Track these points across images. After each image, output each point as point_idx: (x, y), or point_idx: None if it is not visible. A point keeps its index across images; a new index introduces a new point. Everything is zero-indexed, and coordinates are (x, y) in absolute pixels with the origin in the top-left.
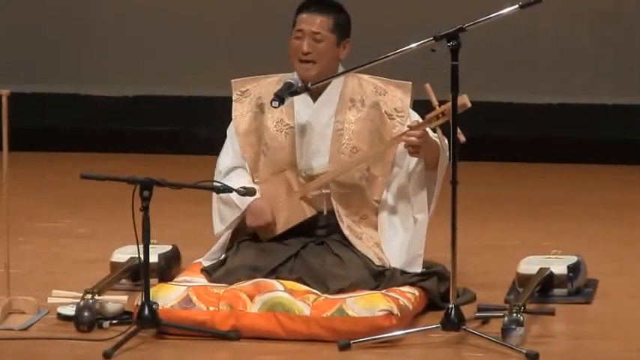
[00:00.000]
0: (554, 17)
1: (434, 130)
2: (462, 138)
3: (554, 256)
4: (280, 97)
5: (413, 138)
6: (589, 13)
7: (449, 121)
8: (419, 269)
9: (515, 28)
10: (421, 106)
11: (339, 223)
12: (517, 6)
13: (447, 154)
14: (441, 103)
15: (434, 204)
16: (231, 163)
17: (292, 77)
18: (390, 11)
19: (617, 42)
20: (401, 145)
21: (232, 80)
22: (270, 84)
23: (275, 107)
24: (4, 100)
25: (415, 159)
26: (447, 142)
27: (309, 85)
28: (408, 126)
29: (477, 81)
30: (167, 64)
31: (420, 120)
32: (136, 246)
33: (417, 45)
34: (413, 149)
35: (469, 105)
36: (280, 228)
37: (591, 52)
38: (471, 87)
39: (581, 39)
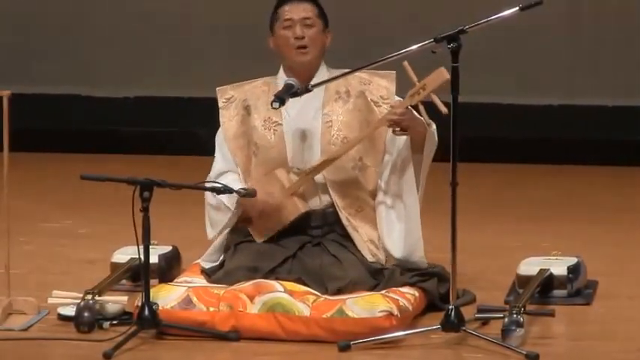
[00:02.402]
0: (554, 18)
1: (416, 108)
2: (443, 109)
3: (554, 257)
4: (281, 99)
5: (395, 116)
6: (589, 14)
7: (429, 95)
8: (421, 253)
9: (515, 29)
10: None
11: (339, 213)
12: (517, 8)
13: (435, 137)
14: (420, 79)
15: (422, 186)
16: (220, 168)
17: (291, 79)
18: (391, 12)
19: (617, 43)
20: (390, 133)
21: (217, 88)
22: (254, 87)
23: (275, 109)
24: (5, 101)
25: (403, 142)
26: (434, 126)
27: (310, 86)
28: (390, 105)
29: (477, 82)
30: (168, 66)
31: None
32: (136, 247)
33: (418, 47)
34: (398, 127)
35: (448, 77)
36: (275, 227)
37: (591, 54)
38: (470, 89)
39: (581, 40)
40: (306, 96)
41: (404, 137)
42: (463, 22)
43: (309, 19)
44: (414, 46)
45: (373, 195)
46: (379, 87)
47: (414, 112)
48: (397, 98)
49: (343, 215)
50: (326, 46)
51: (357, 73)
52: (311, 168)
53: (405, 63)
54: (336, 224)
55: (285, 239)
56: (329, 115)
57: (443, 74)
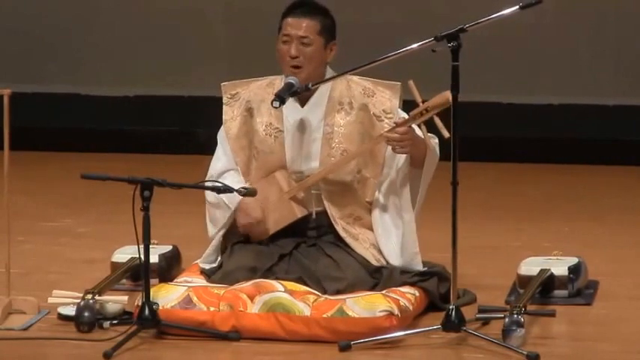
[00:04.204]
0: (555, 17)
1: (419, 127)
2: (445, 133)
3: (555, 258)
4: (281, 97)
5: (396, 135)
6: (589, 13)
7: (433, 117)
8: (420, 267)
9: (516, 28)
10: (413, 107)
11: (334, 224)
12: (518, 7)
13: (437, 152)
14: (425, 100)
15: (420, 202)
16: (222, 167)
17: (291, 77)
18: (390, 11)
19: (617, 42)
20: (390, 147)
21: (222, 84)
22: (259, 87)
23: (276, 107)
24: (6, 100)
25: (403, 158)
26: (436, 140)
27: (310, 85)
28: (394, 122)
29: (477, 81)
30: (167, 64)
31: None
32: (136, 246)
33: (418, 45)
34: (398, 146)
35: (450, 101)
36: (271, 229)
37: (592, 53)
38: (471, 88)
39: (581, 39)
40: (308, 106)
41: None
42: (463, 21)
43: (307, 38)
44: (414, 45)
45: (371, 205)
46: (382, 99)
47: (417, 129)
48: (401, 114)
49: (339, 226)
50: (328, 60)
51: (361, 82)
52: (309, 178)
53: (411, 82)
54: (332, 227)
55: (281, 239)
56: (330, 126)
57: (446, 98)
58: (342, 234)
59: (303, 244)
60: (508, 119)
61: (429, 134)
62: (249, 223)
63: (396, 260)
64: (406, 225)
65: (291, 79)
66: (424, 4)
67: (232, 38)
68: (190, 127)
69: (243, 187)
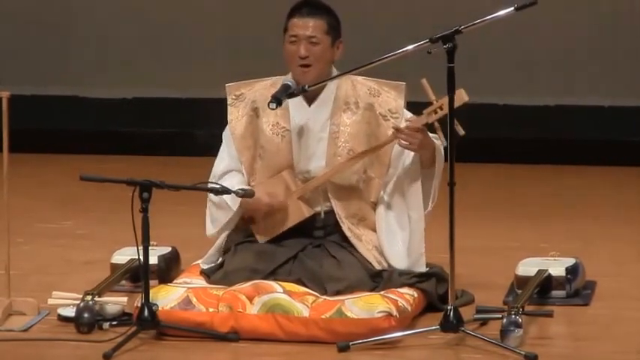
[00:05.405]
0: (552, 18)
1: (432, 127)
2: (460, 130)
3: (553, 258)
4: (277, 99)
5: (410, 133)
6: (586, 14)
7: (447, 115)
8: (423, 268)
9: (512, 29)
10: (416, 107)
11: (340, 224)
12: (513, 8)
13: (442, 152)
14: (439, 98)
15: (432, 202)
16: (225, 167)
17: (289, 79)
18: (387, 13)
19: (614, 44)
20: (397, 146)
21: (227, 85)
22: (264, 87)
23: (272, 109)
24: (5, 102)
25: (410, 157)
26: (438, 142)
27: (307, 87)
28: (406, 120)
29: (474, 83)
30: (166, 66)
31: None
32: (135, 247)
33: (414, 47)
34: (410, 144)
35: (467, 99)
36: (279, 229)
37: (588, 54)
38: (468, 89)
39: (578, 41)
40: (315, 105)
41: (412, 153)
42: (459, 22)
43: (315, 38)
44: (410, 47)
45: (375, 205)
46: (388, 99)
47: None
48: (407, 114)
49: (345, 225)
50: (335, 58)
51: (366, 82)
52: (318, 177)
53: (424, 81)
54: (338, 226)
55: (287, 240)
56: (337, 125)
57: (462, 96)
58: (348, 233)
59: (309, 245)
60: (505, 120)
61: (433, 135)
62: (266, 213)
63: (399, 263)
64: (414, 224)
65: (288, 81)
66: (420, 5)
67: (232, 40)
68: (189, 129)
69: (240, 189)
